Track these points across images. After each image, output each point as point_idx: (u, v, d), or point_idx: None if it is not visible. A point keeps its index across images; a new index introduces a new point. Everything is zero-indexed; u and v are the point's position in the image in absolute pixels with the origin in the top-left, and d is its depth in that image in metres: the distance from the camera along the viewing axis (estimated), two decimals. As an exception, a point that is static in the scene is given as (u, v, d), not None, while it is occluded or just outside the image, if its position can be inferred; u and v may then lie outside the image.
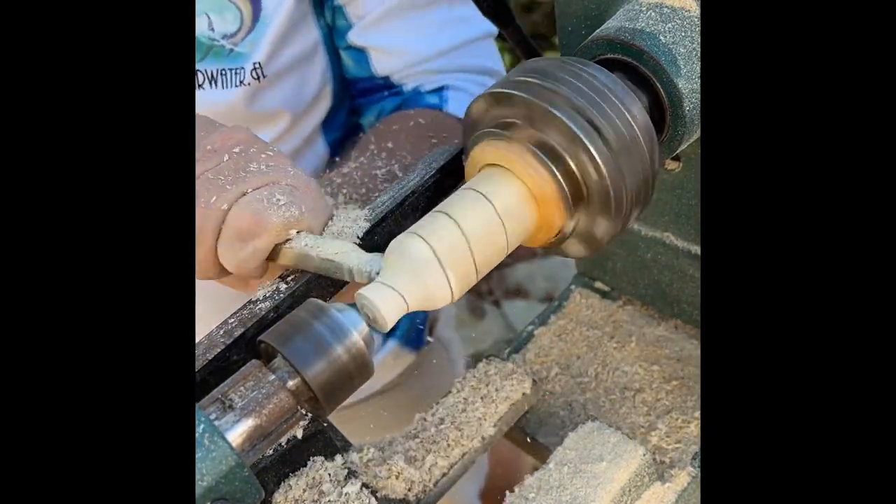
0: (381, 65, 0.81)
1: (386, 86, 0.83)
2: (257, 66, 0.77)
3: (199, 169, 0.52)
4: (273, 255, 0.51)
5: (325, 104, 0.87)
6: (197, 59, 0.75)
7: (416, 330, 1.06)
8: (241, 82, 0.77)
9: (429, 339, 1.09)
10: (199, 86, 0.76)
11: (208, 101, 0.77)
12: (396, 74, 0.82)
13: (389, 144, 0.69)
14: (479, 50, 0.84)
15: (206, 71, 0.76)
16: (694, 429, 0.60)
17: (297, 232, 0.51)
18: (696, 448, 0.58)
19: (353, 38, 0.81)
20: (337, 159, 0.74)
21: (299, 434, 0.49)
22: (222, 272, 0.53)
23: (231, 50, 0.76)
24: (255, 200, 0.50)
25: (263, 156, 0.54)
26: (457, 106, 0.79)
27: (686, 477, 0.56)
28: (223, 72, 0.76)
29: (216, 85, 0.77)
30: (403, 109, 0.80)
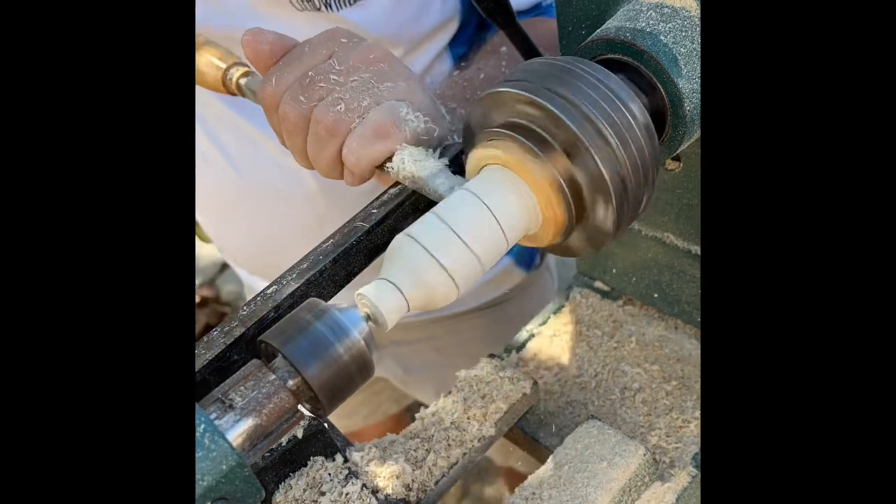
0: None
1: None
2: None
3: (345, 77, 0.57)
4: (382, 164, 0.56)
5: (452, 25, 0.87)
6: None
7: (529, 252, 1.09)
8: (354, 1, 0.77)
9: (538, 263, 1.13)
10: (318, 8, 0.76)
11: (319, 20, 0.77)
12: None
13: (506, 49, 0.71)
14: None
15: None
16: (694, 428, 0.60)
17: (404, 148, 0.56)
18: (695, 448, 0.58)
19: None
20: (456, 70, 0.76)
21: (300, 434, 0.49)
22: (340, 172, 0.59)
23: None
24: (393, 107, 0.56)
25: (401, 76, 0.59)
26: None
27: (686, 477, 0.56)
28: None
29: (341, 6, 0.77)
30: (538, 16, 0.81)
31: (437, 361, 1.14)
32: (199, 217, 1.04)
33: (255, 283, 1.11)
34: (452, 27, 0.86)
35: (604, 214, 0.45)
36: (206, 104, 0.88)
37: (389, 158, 0.56)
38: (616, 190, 0.44)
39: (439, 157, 0.55)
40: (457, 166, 0.56)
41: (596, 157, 0.43)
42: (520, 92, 0.45)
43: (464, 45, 0.89)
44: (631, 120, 0.44)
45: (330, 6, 0.75)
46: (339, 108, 0.56)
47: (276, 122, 0.60)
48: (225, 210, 0.99)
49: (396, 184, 0.56)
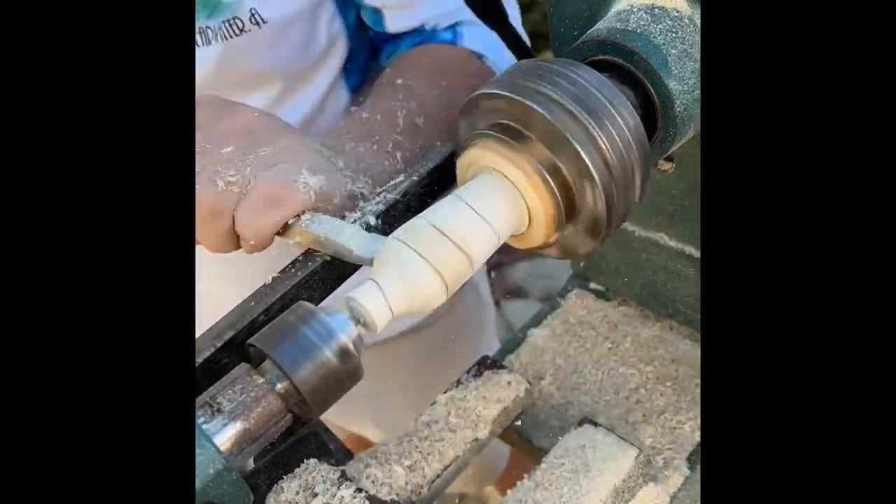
0: (396, 24, 0.80)
1: (404, 34, 0.82)
2: (253, 11, 0.74)
3: (217, 149, 0.54)
4: (281, 230, 0.53)
5: (340, 52, 0.85)
6: (206, 17, 0.73)
7: None
8: (240, 30, 0.74)
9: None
10: (209, 42, 0.74)
11: (214, 56, 0.75)
12: (414, 26, 0.81)
13: (401, 81, 0.69)
14: None
15: (214, 27, 0.74)
16: (688, 429, 0.60)
17: (307, 212, 0.53)
18: (690, 448, 0.58)
19: None
20: (352, 105, 0.73)
21: (292, 436, 0.49)
22: (234, 246, 0.55)
23: (230, 2, 0.74)
24: (284, 171, 0.52)
25: (279, 135, 0.56)
26: (471, 40, 0.78)
27: (679, 477, 0.56)
28: (229, 22, 0.74)
29: (225, 38, 0.75)
30: (420, 46, 0.79)
31: (368, 392, 1.10)
32: None
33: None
34: (340, 52, 0.84)
35: (592, 203, 0.45)
36: None
37: (288, 223, 0.53)
38: (601, 175, 0.43)
39: (357, 219, 0.53)
40: (429, 182, 0.55)
41: (589, 166, 0.43)
42: (513, 95, 0.44)
43: (358, 74, 0.87)
44: (622, 124, 0.44)
45: (216, 38, 0.73)
46: (217, 184, 0.52)
47: None
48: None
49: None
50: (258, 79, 0.79)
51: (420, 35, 0.80)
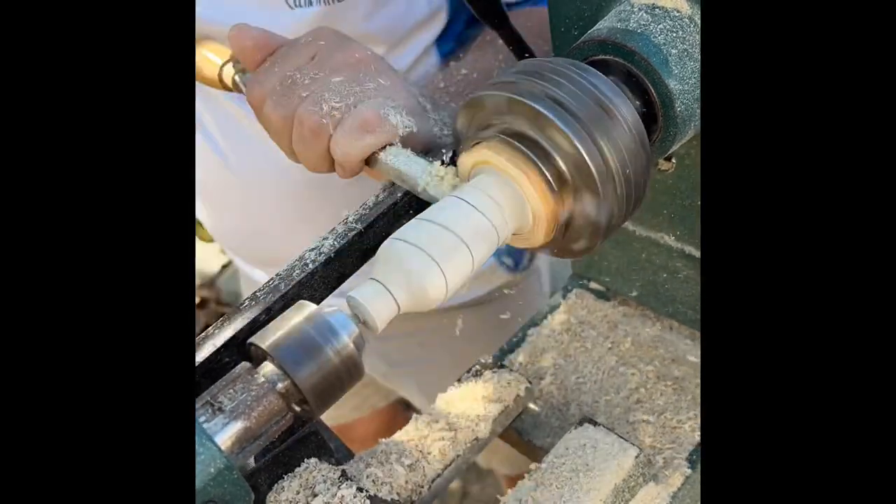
0: None
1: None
2: None
3: (328, 77, 0.58)
4: (369, 160, 0.57)
5: (440, 20, 0.87)
6: None
7: (517, 253, 1.09)
8: None
9: (525, 264, 1.12)
10: (311, 3, 0.76)
11: (314, 17, 0.77)
12: None
13: (502, 42, 0.70)
14: None
15: None
16: (688, 429, 0.60)
17: (391, 147, 0.56)
18: (690, 448, 0.58)
19: None
20: (453, 60, 0.75)
21: (293, 436, 0.49)
22: (329, 167, 0.59)
23: None
24: (378, 103, 0.57)
25: (384, 75, 0.60)
26: None
27: (680, 477, 0.56)
28: None
29: (328, 2, 0.77)
30: (529, 5, 0.81)
31: (421, 357, 1.13)
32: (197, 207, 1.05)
33: (250, 272, 1.11)
34: (439, 23, 0.86)
35: (593, 205, 0.45)
36: (196, 95, 0.88)
37: (376, 154, 0.56)
38: (601, 176, 0.43)
39: (429, 159, 0.55)
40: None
41: (590, 165, 0.43)
42: (514, 95, 0.44)
43: (451, 41, 0.89)
44: (623, 124, 0.44)
45: (320, 1, 0.75)
46: (322, 108, 0.56)
47: (265, 122, 0.60)
48: (217, 200, 1.00)
49: (389, 183, 0.56)
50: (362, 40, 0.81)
51: (531, 1, 0.82)
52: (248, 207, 0.96)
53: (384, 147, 0.56)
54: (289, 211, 0.92)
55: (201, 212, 1.05)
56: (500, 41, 0.71)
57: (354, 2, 0.77)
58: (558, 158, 0.44)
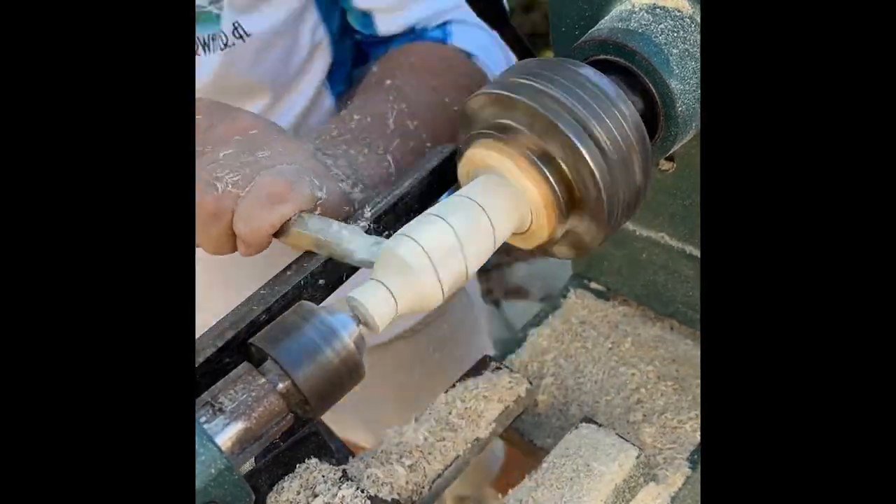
0: (387, 26, 0.79)
1: (394, 36, 0.81)
2: (237, 24, 0.73)
3: (215, 152, 0.54)
4: (279, 231, 0.53)
5: (323, 60, 0.84)
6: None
7: None
8: (224, 44, 0.74)
9: None
10: (196, 54, 0.73)
11: (206, 68, 0.75)
12: (406, 28, 0.80)
13: (390, 81, 0.69)
14: None
15: (199, 38, 0.73)
16: (689, 429, 0.60)
17: (301, 215, 0.52)
18: (690, 448, 0.58)
19: (357, 2, 0.79)
20: (341, 106, 0.72)
21: (293, 436, 0.49)
22: (232, 247, 0.55)
23: (218, 15, 0.73)
24: (285, 171, 0.53)
25: (276, 139, 0.56)
26: (461, 39, 0.77)
27: (680, 477, 0.56)
28: (213, 37, 0.73)
29: (209, 50, 0.74)
30: (409, 43, 0.78)
31: (360, 397, 1.10)
32: None
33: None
34: (323, 60, 0.83)
35: (594, 221, 0.45)
36: None
37: (286, 225, 0.52)
38: (609, 197, 0.44)
39: (356, 220, 0.53)
40: (430, 182, 0.55)
41: (591, 165, 0.43)
42: (515, 95, 0.44)
43: (342, 82, 0.87)
44: (624, 124, 0.44)
45: (205, 48, 0.73)
46: (216, 187, 0.52)
47: None
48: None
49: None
50: (247, 91, 0.79)
51: (409, 35, 0.79)
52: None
53: (293, 216, 0.52)
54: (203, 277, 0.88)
55: None
56: (388, 81, 0.68)
57: (236, 51, 0.74)
58: (551, 149, 0.44)
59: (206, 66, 0.74)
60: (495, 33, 0.76)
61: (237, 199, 0.52)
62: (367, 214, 0.53)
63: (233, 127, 0.56)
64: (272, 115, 0.81)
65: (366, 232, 0.52)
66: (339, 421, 1.16)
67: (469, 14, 0.77)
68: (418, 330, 1.07)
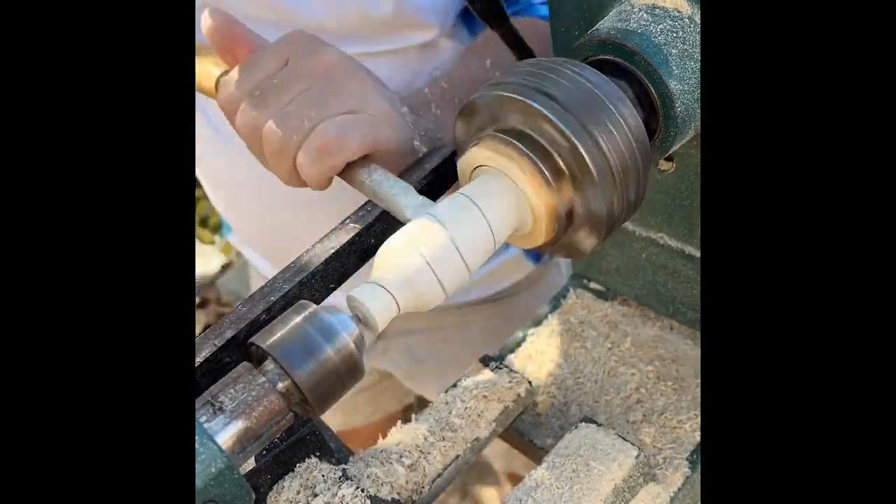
0: None
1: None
2: None
3: (292, 90, 0.57)
4: (344, 174, 0.57)
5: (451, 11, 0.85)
6: None
7: None
8: None
9: (547, 256, 1.11)
10: None
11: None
12: None
13: (490, 50, 0.70)
14: None
15: None
16: (688, 429, 0.60)
17: (371, 164, 0.55)
18: (690, 448, 0.58)
19: None
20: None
21: (293, 436, 0.49)
22: (301, 182, 0.59)
23: None
24: (338, 123, 0.55)
25: (353, 82, 0.59)
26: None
27: (680, 477, 0.56)
28: None
29: None
30: (516, 17, 0.79)
31: (443, 353, 1.13)
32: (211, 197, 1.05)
33: (260, 265, 1.11)
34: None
35: (593, 201, 0.45)
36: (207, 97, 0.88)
37: (351, 170, 0.56)
38: (608, 197, 0.44)
39: (412, 175, 0.55)
40: (430, 182, 0.56)
41: (590, 165, 0.43)
42: (515, 95, 0.44)
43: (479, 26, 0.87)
44: (623, 125, 0.44)
45: None
46: (284, 126, 0.56)
47: (237, 131, 0.60)
48: (233, 193, 1.00)
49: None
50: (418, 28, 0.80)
51: (516, 5, 0.81)
52: (263, 203, 0.96)
53: (360, 162, 0.56)
54: (301, 208, 0.92)
55: (216, 203, 1.05)
56: (487, 50, 0.70)
57: None
58: (551, 149, 0.44)
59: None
60: None
61: (299, 142, 0.56)
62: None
63: (318, 62, 0.58)
64: (429, 50, 0.83)
65: (356, 237, 0.53)
66: (419, 374, 1.18)
67: None
68: (509, 296, 1.09)
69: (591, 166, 0.43)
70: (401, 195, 0.52)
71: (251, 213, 1.00)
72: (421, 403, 1.35)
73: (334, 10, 0.76)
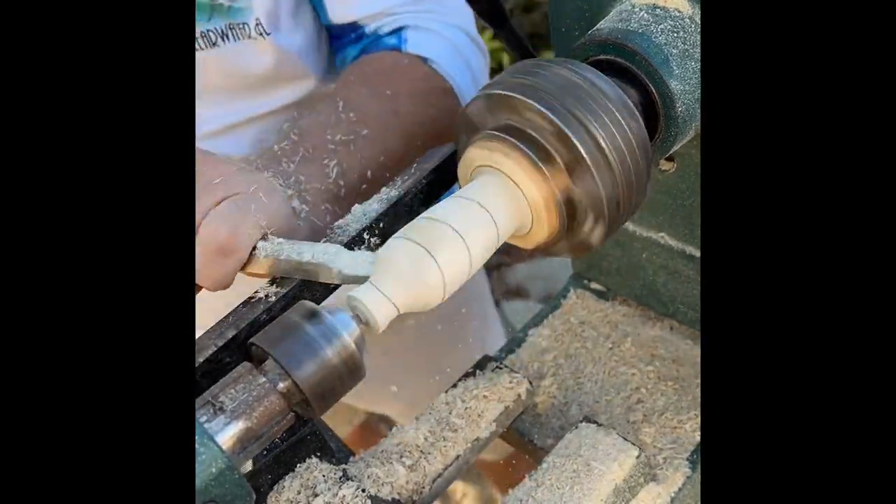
0: (336, 12, 0.79)
1: (351, 28, 0.80)
2: (258, 21, 0.74)
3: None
4: (248, 262, 0.52)
5: (324, 52, 0.84)
6: (204, 21, 0.73)
7: None
8: (248, 36, 0.74)
9: None
10: (214, 44, 0.74)
11: (232, 56, 0.75)
12: (353, 19, 0.80)
13: (340, 93, 0.68)
14: None
15: (216, 29, 0.73)
16: (689, 429, 0.60)
17: (264, 239, 0.51)
18: (690, 448, 0.58)
19: None
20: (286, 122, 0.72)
21: (294, 436, 0.49)
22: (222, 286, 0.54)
23: (230, 7, 0.74)
24: (224, 214, 0.51)
25: (217, 170, 0.54)
26: (416, 44, 0.76)
27: (680, 477, 0.56)
28: (231, 26, 0.74)
29: (228, 39, 0.74)
30: (364, 55, 0.78)
31: (392, 368, 1.09)
32: None
33: None
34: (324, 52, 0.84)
35: (595, 221, 0.45)
36: None
37: (251, 259, 0.52)
38: (609, 197, 0.44)
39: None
40: (430, 182, 0.55)
41: (589, 165, 0.43)
42: (515, 95, 0.44)
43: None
44: (624, 125, 0.44)
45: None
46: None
47: None
48: None
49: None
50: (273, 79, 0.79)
51: (363, 40, 0.79)
52: None
53: (254, 248, 0.52)
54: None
55: None
56: (338, 92, 0.68)
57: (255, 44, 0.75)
58: (538, 136, 0.44)
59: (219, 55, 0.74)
60: (457, 37, 0.76)
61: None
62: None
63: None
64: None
65: (355, 237, 0.52)
66: (371, 393, 1.17)
67: (426, 18, 0.77)
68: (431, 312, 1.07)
69: (591, 166, 0.43)
70: (334, 256, 0.48)
71: None
72: (370, 420, 1.33)
73: (221, 69, 0.75)
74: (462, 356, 0.64)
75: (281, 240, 0.51)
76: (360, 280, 0.45)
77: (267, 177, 0.56)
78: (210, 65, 0.74)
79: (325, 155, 0.61)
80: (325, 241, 0.51)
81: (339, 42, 0.82)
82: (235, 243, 0.51)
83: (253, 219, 0.52)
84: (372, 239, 0.54)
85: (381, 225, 0.53)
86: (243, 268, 0.52)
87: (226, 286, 0.52)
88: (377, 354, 1.08)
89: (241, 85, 0.78)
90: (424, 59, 0.75)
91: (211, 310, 0.54)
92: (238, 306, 0.49)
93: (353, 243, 0.52)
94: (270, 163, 0.60)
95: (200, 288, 0.53)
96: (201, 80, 0.74)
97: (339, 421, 1.33)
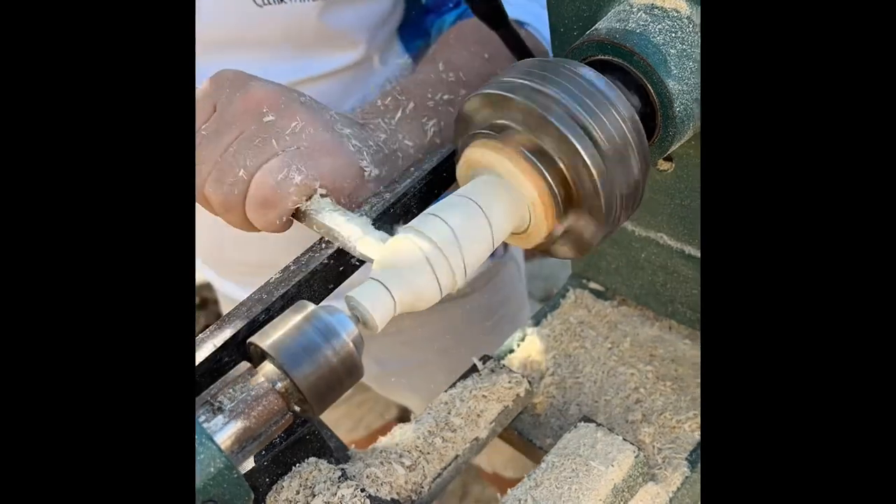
0: None
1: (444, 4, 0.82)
2: None
3: (223, 141, 0.56)
4: (296, 216, 0.55)
5: (397, 15, 0.85)
6: None
7: None
8: None
9: (502, 252, 1.11)
10: (268, 2, 0.74)
11: (281, 15, 0.75)
12: None
13: (442, 55, 0.71)
14: None
15: None
16: (688, 429, 0.60)
17: (321, 196, 0.54)
18: (689, 448, 0.58)
19: None
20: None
21: (292, 435, 0.49)
22: (258, 228, 0.58)
23: None
24: (273, 170, 0.54)
25: (284, 116, 0.56)
26: (512, 9, 0.76)
27: (679, 477, 0.56)
28: None
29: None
30: (462, 20, 0.80)
31: (408, 357, 1.12)
32: None
33: (223, 287, 1.09)
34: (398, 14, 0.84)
35: (593, 220, 0.45)
36: None
37: (300, 211, 0.55)
38: (607, 197, 0.44)
39: (364, 212, 0.54)
40: (430, 182, 0.56)
41: (588, 164, 0.43)
42: (513, 95, 0.45)
43: (419, 36, 0.87)
44: (622, 124, 0.44)
45: None
46: (223, 181, 0.55)
47: None
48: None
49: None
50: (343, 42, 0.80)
51: (462, 6, 0.81)
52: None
53: (308, 200, 0.55)
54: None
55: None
56: (439, 54, 0.70)
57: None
58: (540, 140, 0.44)
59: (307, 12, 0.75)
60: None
61: (242, 198, 0.55)
62: (376, 204, 0.54)
63: (247, 101, 0.57)
64: (362, 70, 0.83)
65: (374, 223, 0.53)
66: (388, 383, 1.18)
67: None
68: (470, 293, 1.08)
69: (588, 163, 0.43)
70: (356, 232, 0.51)
71: (211, 229, 0.98)
72: (403, 417, 1.35)
73: (255, 22, 0.75)
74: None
75: (328, 203, 0.54)
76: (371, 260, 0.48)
77: (341, 136, 0.58)
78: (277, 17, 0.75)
79: (425, 114, 0.64)
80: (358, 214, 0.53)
81: (438, 11, 0.83)
82: (278, 198, 0.54)
83: (301, 177, 0.54)
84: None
85: (381, 224, 0.53)
86: (297, 219, 0.55)
87: (276, 231, 0.56)
88: (396, 344, 1.09)
89: (300, 43, 0.78)
90: (521, 23, 0.77)
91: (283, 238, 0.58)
92: (238, 306, 0.49)
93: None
94: (372, 117, 0.62)
95: (256, 229, 0.57)
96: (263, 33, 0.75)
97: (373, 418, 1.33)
